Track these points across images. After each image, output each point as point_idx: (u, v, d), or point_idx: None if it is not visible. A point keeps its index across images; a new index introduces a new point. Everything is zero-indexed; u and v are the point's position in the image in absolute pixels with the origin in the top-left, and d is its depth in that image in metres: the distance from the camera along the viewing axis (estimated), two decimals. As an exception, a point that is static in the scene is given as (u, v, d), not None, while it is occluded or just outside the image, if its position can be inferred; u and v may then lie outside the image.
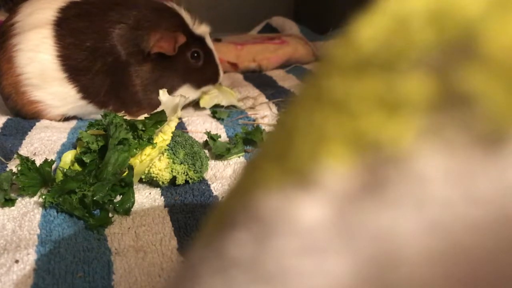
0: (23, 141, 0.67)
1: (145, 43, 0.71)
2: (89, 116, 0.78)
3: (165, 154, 0.53)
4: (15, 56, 0.71)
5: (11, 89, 0.73)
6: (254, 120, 0.79)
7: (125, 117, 0.56)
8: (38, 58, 0.70)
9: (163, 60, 0.73)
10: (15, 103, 0.74)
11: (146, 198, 0.52)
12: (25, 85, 0.72)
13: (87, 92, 0.73)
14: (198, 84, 0.80)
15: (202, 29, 0.78)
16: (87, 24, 0.71)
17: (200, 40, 0.78)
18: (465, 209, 0.11)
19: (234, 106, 0.84)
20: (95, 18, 0.72)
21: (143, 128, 0.53)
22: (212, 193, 0.53)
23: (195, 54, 0.77)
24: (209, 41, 0.80)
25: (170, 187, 0.55)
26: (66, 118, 0.78)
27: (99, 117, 0.73)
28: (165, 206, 0.50)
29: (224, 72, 1.14)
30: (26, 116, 0.76)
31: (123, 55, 0.72)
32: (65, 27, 0.71)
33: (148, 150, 0.53)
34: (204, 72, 0.80)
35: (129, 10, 0.72)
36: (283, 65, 1.18)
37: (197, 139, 0.64)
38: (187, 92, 0.78)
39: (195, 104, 0.86)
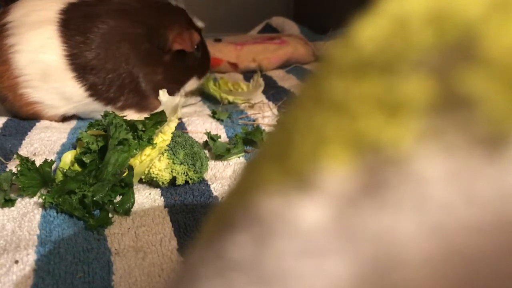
0: (23, 142, 0.67)
1: (164, 41, 0.74)
2: (89, 115, 0.79)
3: (165, 154, 0.53)
4: (12, 57, 0.70)
5: (8, 91, 0.72)
6: (254, 120, 0.79)
7: (125, 117, 0.56)
8: (41, 58, 0.70)
9: (179, 54, 0.77)
10: (11, 105, 0.74)
11: (146, 198, 0.52)
12: (24, 87, 0.71)
13: (95, 90, 0.73)
14: (200, 74, 0.85)
15: (199, 23, 0.83)
16: (94, 24, 0.72)
17: (199, 32, 0.82)
18: (465, 212, 0.11)
19: (229, 102, 0.87)
20: (101, 18, 0.72)
21: (143, 129, 0.53)
22: (212, 193, 0.53)
23: (196, 46, 0.81)
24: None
25: (170, 187, 0.55)
26: (65, 118, 0.78)
27: (98, 116, 0.75)
28: (165, 207, 0.50)
29: (224, 72, 1.14)
30: (23, 117, 0.76)
31: (137, 52, 0.74)
32: (72, 28, 0.71)
33: (148, 150, 0.52)
34: (202, 62, 0.85)
35: (136, 9, 0.75)
36: (283, 65, 1.18)
37: (197, 139, 0.64)
38: (193, 84, 0.84)
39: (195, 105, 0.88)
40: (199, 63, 0.83)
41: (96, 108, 0.76)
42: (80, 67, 0.71)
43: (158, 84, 0.77)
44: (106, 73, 0.72)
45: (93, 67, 0.72)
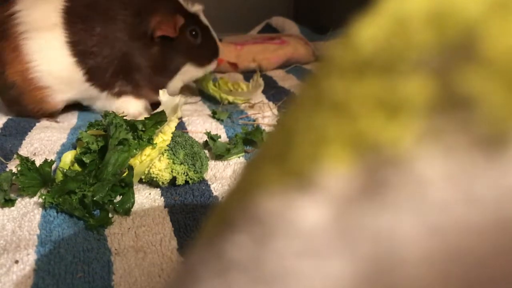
0: (23, 141, 0.67)
1: (148, 27, 0.76)
2: (89, 101, 0.81)
3: (165, 154, 0.53)
4: (23, 44, 0.73)
5: (18, 77, 0.74)
6: (254, 120, 0.79)
7: (125, 117, 0.56)
8: (48, 45, 0.73)
9: (167, 41, 0.77)
10: (19, 91, 0.75)
11: (146, 198, 0.52)
12: (34, 72, 0.74)
13: (93, 74, 0.76)
14: (199, 62, 0.84)
15: (195, 7, 0.82)
16: (95, 12, 0.75)
17: (195, 18, 0.82)
18: (464, 212, 0.11)
19: (229, 102, 0.86)
20: (102, 7, 0.76)
21: (143, 129, 0.53)
22: (212, 193, 0.53)
23: (193, 32, 0.81)
24: (203, 18, 0.84)
25: (170, 187, 0.55)
26: (66, 109, 0.80)
27: (99, 105, 0.80)
28: (165, 207, 0.50)
29: (224, 72, 1.14)
30: (28, 104, 0.76)
31: (130, 40, 0.76)
32: (75, 15, 0.74)
33: (148, 150, 0.52)
34: (204, 49, 0.84)
35: None
36: (283, 65, 1.18)
37: (197, 139, 0.64)
38: (190, 71, 0.83)
39: (195, 105, 0.88)
40: (198, 50, 0.82)
41: (93, 94, 0.78)
42: (81, 53, 0.74)
43: (147, 72, 0.78)
44: (102, 58, 0.75)
45: (92, 53, 0.74)
